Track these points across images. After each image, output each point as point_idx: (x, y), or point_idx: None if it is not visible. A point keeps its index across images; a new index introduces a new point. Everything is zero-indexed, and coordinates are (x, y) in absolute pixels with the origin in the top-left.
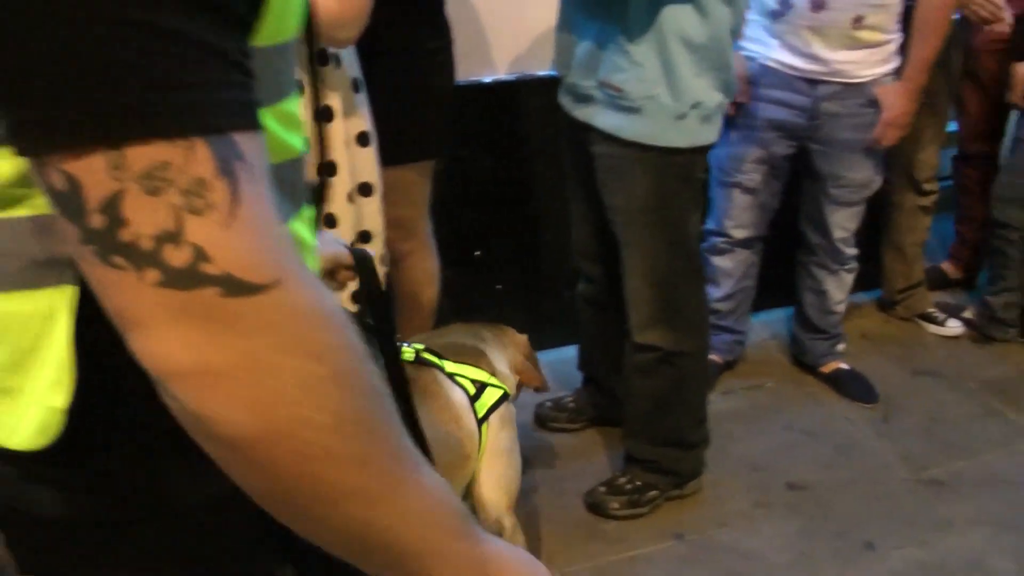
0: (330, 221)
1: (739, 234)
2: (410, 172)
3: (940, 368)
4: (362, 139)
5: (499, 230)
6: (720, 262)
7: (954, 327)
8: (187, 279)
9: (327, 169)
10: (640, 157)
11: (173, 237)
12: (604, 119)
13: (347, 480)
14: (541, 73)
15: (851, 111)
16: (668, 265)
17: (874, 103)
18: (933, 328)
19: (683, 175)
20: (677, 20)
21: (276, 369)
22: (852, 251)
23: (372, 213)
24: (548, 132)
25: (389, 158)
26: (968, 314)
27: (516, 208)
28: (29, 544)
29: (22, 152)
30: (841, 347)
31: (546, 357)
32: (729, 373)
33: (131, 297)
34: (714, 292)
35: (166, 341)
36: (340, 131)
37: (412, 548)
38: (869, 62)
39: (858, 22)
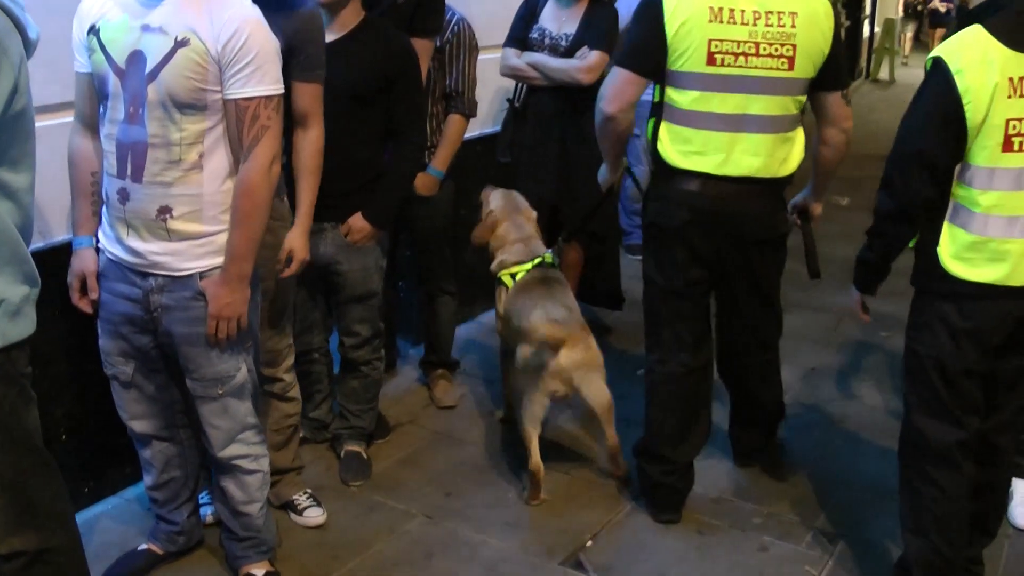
0: None
1: (139, 427)
2: None
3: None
4: None
5: None
6: (141, 451)
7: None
8: None
9: None
10: None
11: None
12: None
13: None
14: None
15: (181, 304)
16: (13, 466)
17: (203, 295)
18: (298, 518)
19: (3, 375)
20: None
21: None
22: (234, 450)
23: None
24: None
25: None
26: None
27: None
28: None
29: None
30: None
31: None
32: (168, 566)
33: None
34: (146, 480)
35: None
36: None
37: None
38: (192, 254)
39: (164, 213)
